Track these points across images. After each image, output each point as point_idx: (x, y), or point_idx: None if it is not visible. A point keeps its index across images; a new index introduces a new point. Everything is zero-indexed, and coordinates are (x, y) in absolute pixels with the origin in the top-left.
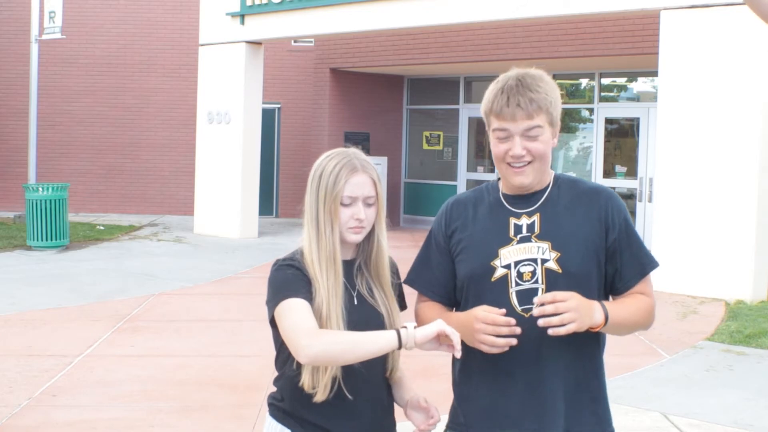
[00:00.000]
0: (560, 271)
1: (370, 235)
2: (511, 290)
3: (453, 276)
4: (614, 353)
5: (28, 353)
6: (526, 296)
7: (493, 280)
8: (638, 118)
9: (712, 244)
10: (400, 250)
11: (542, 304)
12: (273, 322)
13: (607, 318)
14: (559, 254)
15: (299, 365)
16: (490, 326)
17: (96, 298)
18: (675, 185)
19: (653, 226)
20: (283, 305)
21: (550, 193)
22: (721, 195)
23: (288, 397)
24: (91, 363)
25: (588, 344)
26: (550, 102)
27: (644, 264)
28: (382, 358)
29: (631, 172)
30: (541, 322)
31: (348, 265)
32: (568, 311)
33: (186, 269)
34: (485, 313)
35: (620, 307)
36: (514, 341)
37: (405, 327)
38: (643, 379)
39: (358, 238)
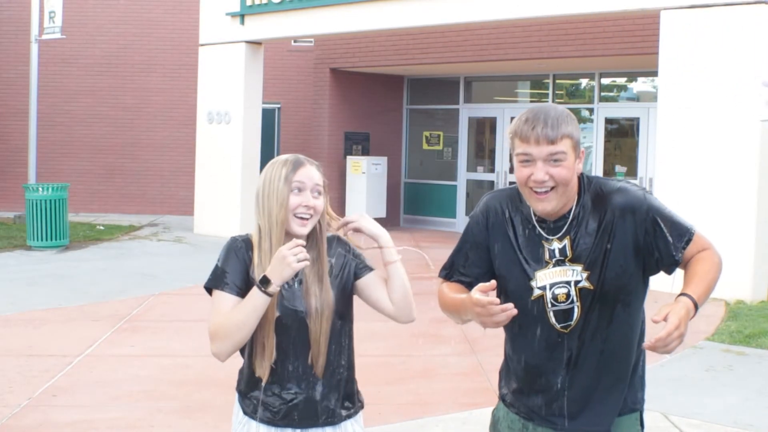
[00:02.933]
0: (592, 287)
1: (318, 227)
2: (548, 309)
3: (487, 271)
4: None
5: (28, 353)
6: (564, 315)
7: (532, 298)
8: (638, 118)
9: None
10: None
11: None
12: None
13: (696, 307)
14: (590, 272)
15: (248, 357)
16: (485, 310)
17: (96, 298)
18: (675, 185)
19: None
20: (214, 296)
21: (577, 213)
22: (720, 195)
23: (243, 379)
24: (91, 363)
25: (620, 352)
26: (573, 126)
27: (685, 235)
28: (305, 350)
29: (631, 172)
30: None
31: None
32: (679, 337)
33: (186, 269)
34: (479, 299)
35: (700, 282)
36: (514, 311)
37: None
38: None
39: (303, 230)
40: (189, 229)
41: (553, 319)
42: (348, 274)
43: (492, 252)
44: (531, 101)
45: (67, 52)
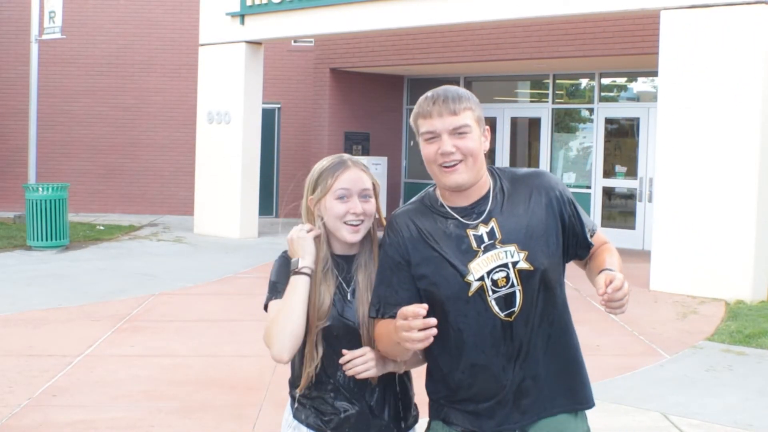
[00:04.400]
0: (532, 268)
1: (369, 232)
2: (489, 299)
3: (416, 293)
4: (614, 353)
5: (28, 353)
6: (505, 301)
7: (470, 294)
8: (638, 118)
9: (711, 244)
10: None
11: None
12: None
13: None
14: (527, 252)
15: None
16: (406, 324)
17: (96, 298)
18: (675, 185)
19: (653, 226)
20: (270, 307)
21: (495, 195)
22: (720, 195)
23: (295, 383)
24: (91, 363)
25: (564, 336)
26: (474, 103)
27: (591, 225)
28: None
29: (631, 172)
30: (606, 308)
31: (346, 261)
32: (627, 296)
33: (186, 269)
34: (404, 310)
35: (614, 261)
36: (433, 331)
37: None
38: (643, 379)
39: (356, 237)
40: (189, 229)
41: (496, 308)
42: None
43: (413, 268)
44: (531, 101)
45: (67, 52)
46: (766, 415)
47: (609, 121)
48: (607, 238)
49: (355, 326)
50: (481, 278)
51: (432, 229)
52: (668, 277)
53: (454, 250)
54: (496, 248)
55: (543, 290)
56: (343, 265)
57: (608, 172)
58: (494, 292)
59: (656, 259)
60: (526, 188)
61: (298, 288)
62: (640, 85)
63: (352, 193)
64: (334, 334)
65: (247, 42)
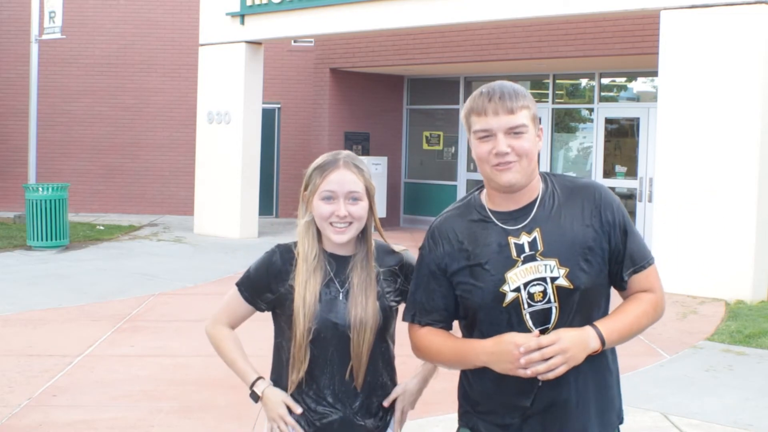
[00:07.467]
0: (571, 287)
1: (365, 233)
2: (524, 312)
3: (453, 300)
4: None
5: (28, 353)
6: (540, 317)
7: (504, 305)
8: (638, 118)
9: (712, 244)
10: None
11: (530, 352)
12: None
13: (603, 341)
14: (567, 270)
15: (282, 366)
16: (534, 353)
17: (96, 298)
18: (675, 185)
19: (653, 226)
20: (233, 289)
21: (542, 202)
22: (721, 195)
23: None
24: (91, 363)
25: (600, 360)
26: (530, 100)
27: (643, 258)
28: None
29: (631, 172)
30: (529, 372)
31: (340, 261)
32: (555, 355)
33: (186, 269)
34: (525, 340)
35: (618, 320)
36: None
37: (261, 378)
38: (643, 379)
39: (341, 238)
40: (189, 229)
41: (529, 323)
42: (393, 298)
43: (450, 276)
44: None
45: (67, 52)
46: (766, 415)
47: (609, 121)
48: (655, 283)
49: (345, 329)
50: (517, 290)
51: (472, 237)
52: (668, 277)
53: (494, 258)
54: (536, 260)
55: (580, 311)
56: (335, 264)
57: (608, 172)
58: (530, 305)
59: (656, 259)
60: (579, 201)
61: (239, 376)
62: (640, 85)
63: (338, 195)
64: (322, 335)
65: (247, 42)
